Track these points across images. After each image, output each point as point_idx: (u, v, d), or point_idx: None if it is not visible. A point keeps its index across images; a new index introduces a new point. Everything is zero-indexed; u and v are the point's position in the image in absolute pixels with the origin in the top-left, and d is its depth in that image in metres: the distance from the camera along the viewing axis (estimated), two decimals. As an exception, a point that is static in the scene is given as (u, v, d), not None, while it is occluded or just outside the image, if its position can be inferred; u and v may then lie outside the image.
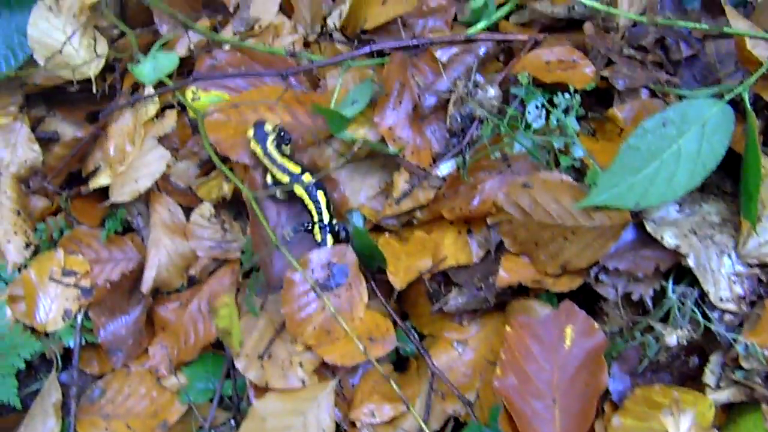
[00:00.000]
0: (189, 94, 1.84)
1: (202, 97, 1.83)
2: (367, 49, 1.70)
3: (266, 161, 1.64)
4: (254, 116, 1.73)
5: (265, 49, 1.74)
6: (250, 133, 1.64)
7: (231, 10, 1.95)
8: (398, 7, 1.83)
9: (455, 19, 1.89)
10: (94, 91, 1.95)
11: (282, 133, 1.65)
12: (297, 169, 1.63)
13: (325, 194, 1.63)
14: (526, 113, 1.57)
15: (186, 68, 1.97)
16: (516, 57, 1.69)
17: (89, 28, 1.97)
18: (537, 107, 1.57)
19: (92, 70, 1.95)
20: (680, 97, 1.61)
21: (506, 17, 1.84)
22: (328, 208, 1.63)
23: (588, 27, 1.70)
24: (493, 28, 1.83)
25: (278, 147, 1.64)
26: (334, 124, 1.64)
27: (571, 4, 1.74)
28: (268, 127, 1.64)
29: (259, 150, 1.64)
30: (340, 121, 1.63)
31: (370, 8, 1.88)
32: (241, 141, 1.71)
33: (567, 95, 1.57)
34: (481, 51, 1.68)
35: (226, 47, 1.87)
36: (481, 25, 1.80)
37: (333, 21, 1.90)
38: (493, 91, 1.63)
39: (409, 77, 1.70)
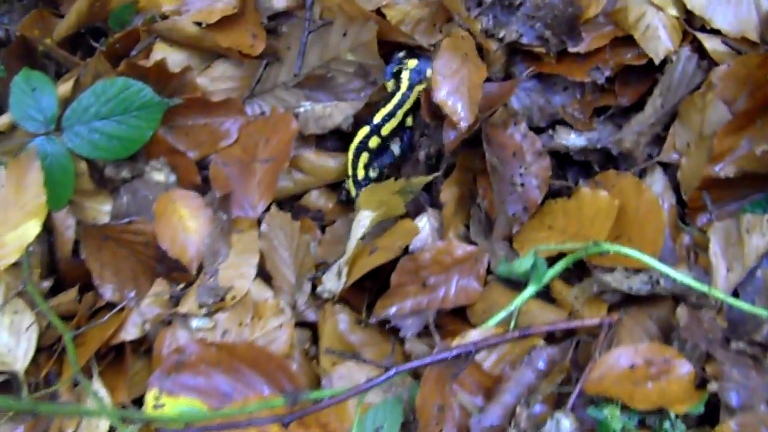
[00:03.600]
0: (150, 399, 1.38)
1: (168, 404, 1.38)
2: (392, 373, 1.25)
3: (397, 96, 1.52)
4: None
5: (261, 406, 1.27)
6: (413, 63, 1.52)
7: (193, 272, 1.48)
8: (383, 255, 1.42)
9: (489, 271, 1.45)
10: (24, 391, 1.48)
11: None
12: (386, 131, 1.53)
13: (371, 159, 1.54)
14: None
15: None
16: (590, 361, 1.26)
17: (12, 299, 1.49)
18: (634, 456, 1.16)
19: (20, 362, 1.47)
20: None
21: (563, 277, 1.40)
22: (367, 165, 1.55)
23: (682, 314, 1.29)
24: (543, 291, 1.40)
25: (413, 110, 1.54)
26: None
27: (653, 277, 1.31)
28: (429, 73, 1.49)
29: (404, 85, 1.52)
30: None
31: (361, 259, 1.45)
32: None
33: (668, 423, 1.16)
34: (540, 364, 1.26)
35: (199, 336, 1.42)
36: (530, 291, 1.38)
37: (329, 285, 1.45)
38: (567, 424, 1.21)
39: (449, 397, 1.27)
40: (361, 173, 1.54)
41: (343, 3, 1.54)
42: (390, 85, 1.56)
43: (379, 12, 1.54)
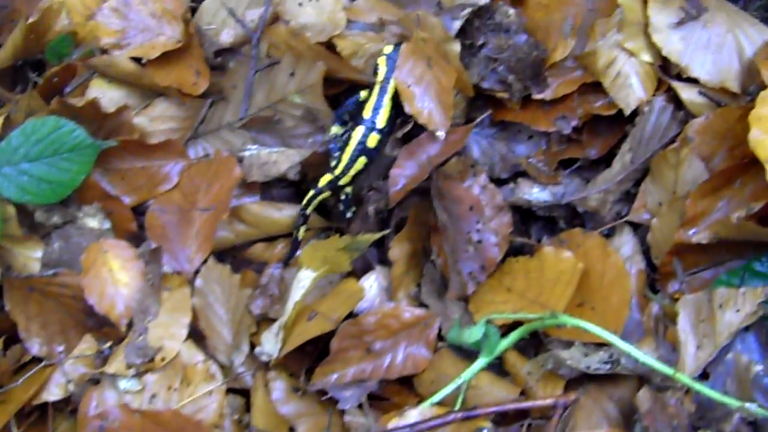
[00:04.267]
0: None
1: (88, 475, 1.27)
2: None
3: (377, 87, 1.38)
4: None
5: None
6: (388, 49, 1.38)
7: (123, 329, 1.36)
8: (321, 325, 1.31)
9: (440, 336, 1.33)
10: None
11: None
12: (382, 123, 1.38)
13: (367, 164, 1.40)
14: None
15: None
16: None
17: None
18: None
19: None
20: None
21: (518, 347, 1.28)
22: (356, 175, 1.41)
23: (644, 398, 1.16)
24: (496, 363, 1.28)
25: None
26: None
27: (614, 356, 1.18)
28: None
29: (381, 73, 1.38)
30: None
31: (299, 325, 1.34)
32: None
33: None
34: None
35: (126, 398, 1.31)
36: (480, 363, 1.26)
37: (268, 347, 1.33)
38: None
39: (383, 485, 1.14)
40: (346, 179, 1.41)
41: (290, 38, 1.42)
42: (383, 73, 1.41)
43: (330, 44, 1.42)
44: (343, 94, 1.47)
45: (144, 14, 1.50)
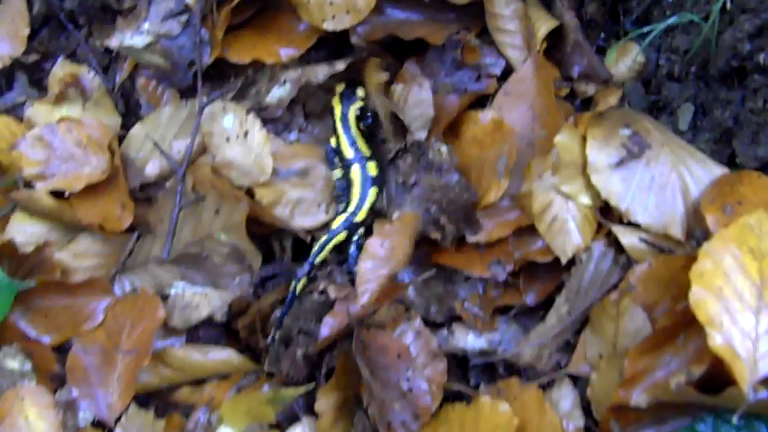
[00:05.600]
0: None
1: None
2: None
3: (339, 126, 1.41)
4: None
5: None
6: (339, 88, 1.44)
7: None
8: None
9: (371, 494, 1.25)
10: None
11: (367, 111, 1.43)
12: (366, 151, 1.41)
13: (378, 193, 1.40)
14: None
15: None
16: None
17: None
18: None
19: None
20: None
21: None
22: (371, 207, 1.39)
23: None
24: None
25: (358, 119, 1.43)
26: None
27: None
28: (360, 93, 1.44)
29: (338, 111, 1.42)
30: None
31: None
32: None
33: None
34: None
35: None
36: None
37: None
38: None
39: None
40: (362, 214, 1.39)
41: (214, 180, 1.36)
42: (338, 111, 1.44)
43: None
44: (274, 234, 1.41)
45: (69, 143, 1.44)
